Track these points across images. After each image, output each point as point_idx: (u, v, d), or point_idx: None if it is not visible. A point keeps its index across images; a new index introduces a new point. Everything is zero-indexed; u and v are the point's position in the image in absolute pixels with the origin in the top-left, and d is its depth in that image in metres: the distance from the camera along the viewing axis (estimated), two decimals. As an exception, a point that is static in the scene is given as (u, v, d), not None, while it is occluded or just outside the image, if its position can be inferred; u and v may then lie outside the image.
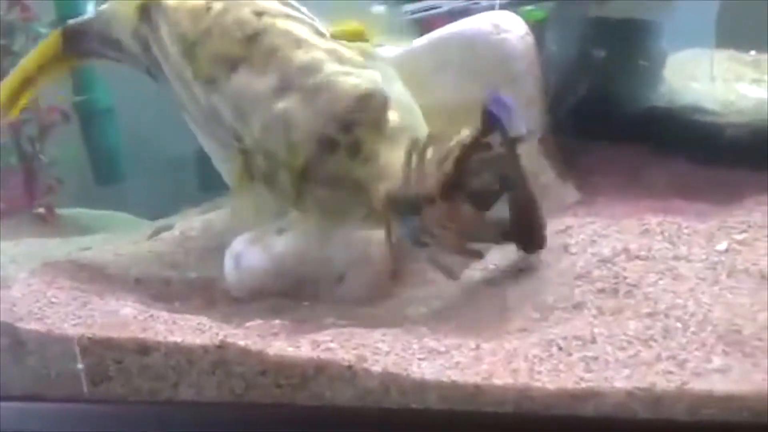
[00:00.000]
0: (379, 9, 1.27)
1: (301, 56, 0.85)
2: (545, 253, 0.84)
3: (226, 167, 1.12)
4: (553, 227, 0.88)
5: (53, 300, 0.90)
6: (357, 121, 0.83)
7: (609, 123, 1.11)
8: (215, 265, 1.03)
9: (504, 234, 0.82)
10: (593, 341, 0.69)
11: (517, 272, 0.84)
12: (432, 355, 0.72)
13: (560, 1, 1.21)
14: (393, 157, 0.82)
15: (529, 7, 1.28)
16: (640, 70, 1.28)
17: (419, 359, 0.71)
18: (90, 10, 1.64)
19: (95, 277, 1.02)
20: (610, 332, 0.69)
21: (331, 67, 0.84)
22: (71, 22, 1.15)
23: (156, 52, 0.97)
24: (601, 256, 0.80)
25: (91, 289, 0.95)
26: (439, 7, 1.11)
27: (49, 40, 1.15)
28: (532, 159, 0.99)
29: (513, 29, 0.98)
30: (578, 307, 0.74)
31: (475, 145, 0.79)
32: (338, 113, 0.83)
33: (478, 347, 0.72)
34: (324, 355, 0.72)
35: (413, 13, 1.14)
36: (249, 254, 0.98)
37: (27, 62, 1.16)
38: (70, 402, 0.76)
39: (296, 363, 0.72)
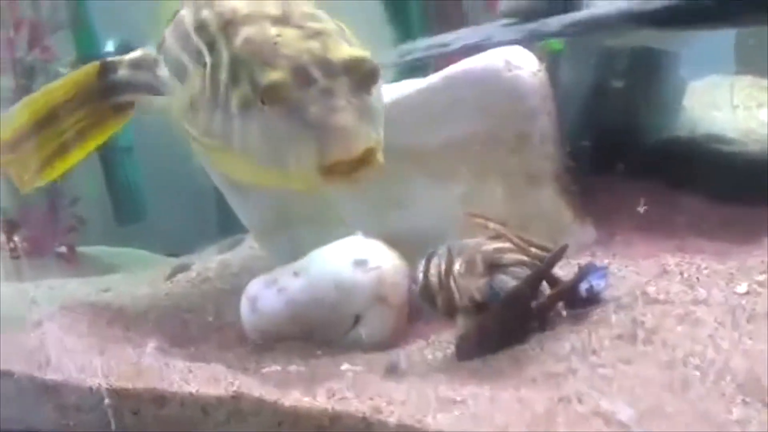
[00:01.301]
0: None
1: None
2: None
3: (237, 201, 1.11)
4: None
5: (70, 348, 0.90)
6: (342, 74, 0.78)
7: (627, 157, 1.10)
8: (231, 308, 1.04)
9: None
10: (610, 392, 0.68)
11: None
12: (448, 405, 0.71)
13: (576, 35, 1.21)
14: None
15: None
16: (659, 100, 1.27)
17: (435, 409, 0.70)
18: (110, 49, 1.68)
19: (113, 321, 1.02)
20: (628, 383, 0.68)
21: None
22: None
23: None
24: (618, 300, 0.79)
25: (109, 334, 0.96)
26: (450, 43, 1.11)
27: (86, 68, 1.06)
28: (548, 197, 0.99)
29: (525, 65, 0.97)
30: (596, 354, 0.73)
31: (543, 275, 0.80)
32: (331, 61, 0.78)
33: (493, 398, 0.71)
34: (339, 406, 0.72)
35: (426, 49, 1.14)
36: (265, 297, 0.98)
37: (55, 88, 1.06)
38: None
39: (311, 414, 0.72)
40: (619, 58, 1.25)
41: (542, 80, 0.98)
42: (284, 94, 0.77)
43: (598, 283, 0.81)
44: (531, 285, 0.80)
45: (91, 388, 0.80)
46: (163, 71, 0.95)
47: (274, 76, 0.77)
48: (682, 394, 0.65)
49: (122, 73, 1.03)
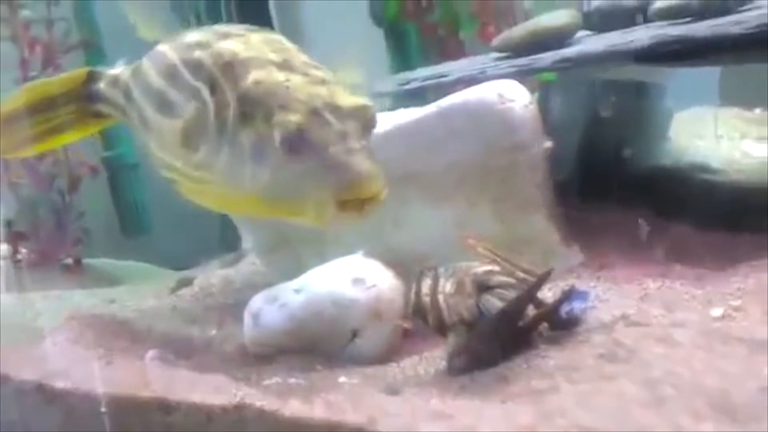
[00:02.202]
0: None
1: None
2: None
3: (240, 219, 1.14)
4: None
5: (78, 358, 0.94)
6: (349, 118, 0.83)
7: (615, 185, 1.15)
8: (234, 322, 1.08)
9: None
10: (591, 407, 0.72)
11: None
12: (439, 418, 0.75)
13: (565, 70, 1.26)
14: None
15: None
16: (645, 130, 1.32)
17: (427, 422, 0.75)
18: (121, 68, 1.73)
19: (119, 333, 1.06)
20: (608, 399, 0.73)
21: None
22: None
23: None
24: (601, 321, 0.83)
25: (116, 345, 1.00)
26: (447, 75, 1.16)
27: (77, 71, 1.12)
28: (538, 222, 1.04)
29: (517, 98, 1.02)
30: (578, 371, 0.78)
31: (528, 298, 0.85)
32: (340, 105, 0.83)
33: (480, 411, 0.75)
34: (336, 417, 0.76)
35: (424, 79, 1.19)
36: (267, 312, 1.02)
37: (52, 82, 1.13)
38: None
39: (310, 424, 0.76)
40: (607, 89, 1.30)
41: (533, 113, 1.03)
42: (305, 136, 0.81)
43: (579, 306, 0.86)
44: (517, 306, 0.85)
45: (98, 397, 0.84)
46: (138, 98, 0.98)
47: (295, 118, 0.81)
48: (657, 410, 0.70)
49: (102, 86, 1.08)
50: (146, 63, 0.98)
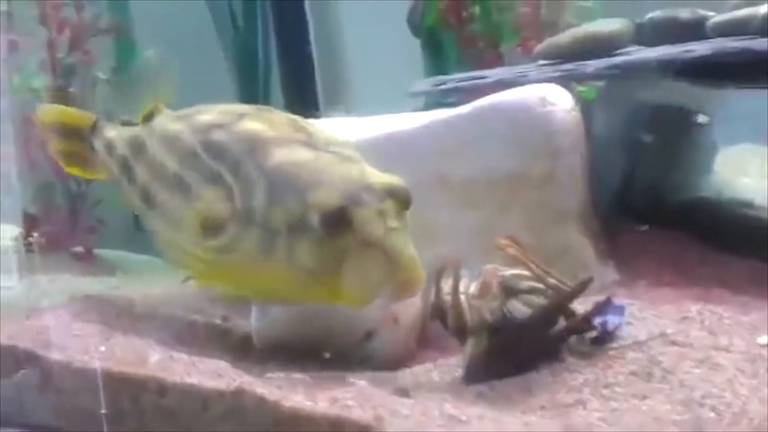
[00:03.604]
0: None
1: None
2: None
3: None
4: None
5: (77, 333, 0.90)
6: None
7: (654, 208, 1.09)
8: (241, 314, 1.03)
9: None
10: (620, 425, 0.66)
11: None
12: (451, 423, 0.69)
13: (610, 81, 1.21)
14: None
15: (581, 88, 1.28)
16: (688, 159, 1.26)
17: (438, 426, 0.69)
18: (149, 58, 1.71)
19: (122, 314, 1.01)
20: (640, 418, 0.66)
21: None
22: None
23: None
24: (636, 338, 0.77)
25: (116, 325, 0.95)
26: (486, 77, 1.11)
27: (87, 114, 1.11)
28: (572, 235, 0.98)
29: (559, 103, 0.97)
30: (609, 388, 0.72)
31: (560, 306, 0.79)
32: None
33: (498, 420, 0.69)
34: (340, 413, 0.70)
35: (460, 80, 1.15)
36: (276, 305, 0.97)
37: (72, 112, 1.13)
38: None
39: (311, 418, 0.70)
40: (650, 113, 1.25)
41: (576, 119, 0.98)
42: (345, 215, 0.78)
43: (613, 320, 0.79)
44: (547, 314, 0.79)
45: (92, 371, 0.79)
46: (142, 175, 0.95)
47: (333, 196, 0.78)
48: (695, 433, 0.63)
49: (99, 146, 1.05)
50: (151, 141, 0.94)
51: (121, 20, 1.63)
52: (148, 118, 0.97)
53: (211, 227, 0.84)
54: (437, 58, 1.50)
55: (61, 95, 1.52)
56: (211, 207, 0.84)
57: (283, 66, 1.79)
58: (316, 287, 0.81)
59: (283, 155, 0.82)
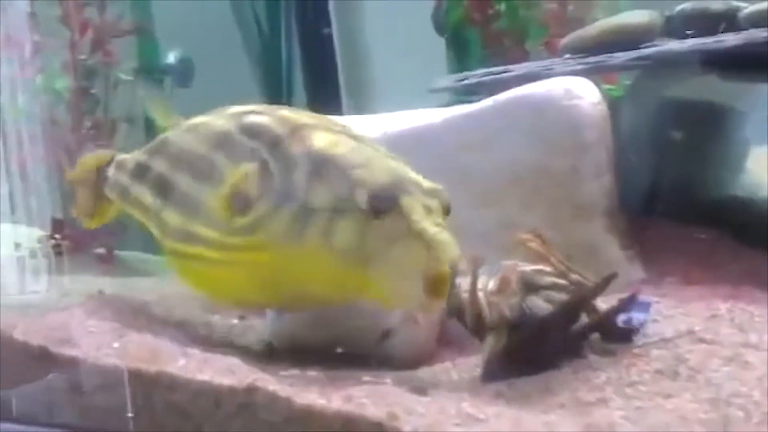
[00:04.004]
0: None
1: None
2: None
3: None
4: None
5: (91, 330, 0.89)
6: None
7: (683, 206, 1.05)
8: (258, 315, 1.02)
9: None
10: (644, 424, 0.63)
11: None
12: (468, 422, 0.67)
13: (638, 78, 1.18)
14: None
15: (609, 86, 1.25)
16: (719, 157, 1.23)
17: (454, 424, 0.66)
18: (171, 61, 1.71)
19: (138, 313, 1.01)
20: (665, 417, 0.63)
21: None
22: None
23: None
24: (662, 336, 0.74)
25: (132, 324, 0.94)
26: (510, 72, 1.08)
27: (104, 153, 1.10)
28: (597, 232, 0.95)
29: (586, 95, 0.94)
30: (633, 386, 0.69)
31: (583, 302, 0.77)
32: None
33: (518, 419, 0.67)
34: (353, 411, 0.68)
35: (482, 76, 1.12)
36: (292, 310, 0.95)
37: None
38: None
39: (324, 415, 0.68)
40: (680, 109, 1.21)
41: (602, 112, 0.95)
42: (392, 197, 0.75)
43: (638, 317, 0.76)
44: (569, 310, 0.76)
45: (103, 367, 0.78)
46: (162, 171, 0.92)
47: (382, 177, 0.75)
48: (723, 432, 0.60)
49: (109, 169, 1.04)
50: (176, 136, 0.92)
51: (144, 21, 1.63)
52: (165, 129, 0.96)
53: (241, 201, 0.80)
54: (462, 56, 1.48)
55: (83, 97, 1.53)
56: (241, 180, 0.80)
57: (306, 66, 1.78)
58: (350, 275, 0.76)
59: (325, 139, 0.80)
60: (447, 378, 0.81)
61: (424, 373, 0.84)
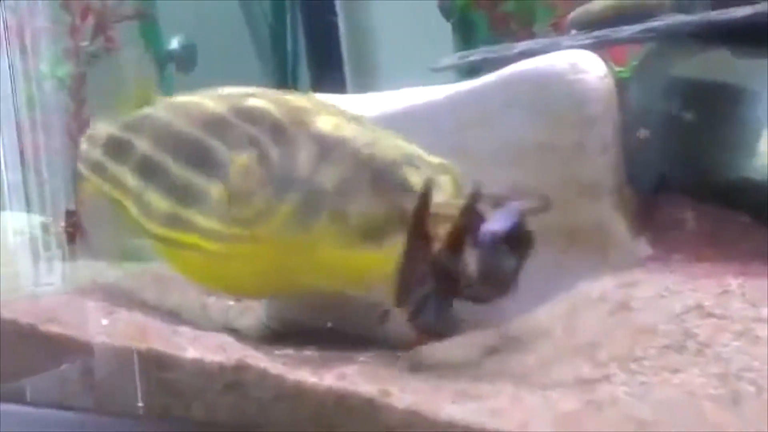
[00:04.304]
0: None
1: None
2: (602, 306, 0.76)
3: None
4: (618, 281, 0.80)
5: (79, 308, 0.87)
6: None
7: (692, 185, 1.02)
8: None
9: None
10: (649, 399, 0.60)
11: (569, 323, 0.76)
12: (465, 399, 0.64)
13: (646, 55, 1.15)
14: None
15: (620, 69, 1.22)
16: (730, 137, 1.19)
17: (450, 401, 0.64)
18: (174, 47, 1.69)
19: (133, 293, 0.99)
20: (671, 392, 0.61)
21: None
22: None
23: None
24: (669, 311, 0.71)
25: (124, 302, 0.92)
26: (515, 48, 1.05)
27: None
28: (603, 210, 0.92)
29: (591, 69, 0.91)
30: (638, 362, 0.66)
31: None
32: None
33: (516, 395, 0.64)
34: (345, 387, 0.65)
35: (486, 52, 1.09)
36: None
37: None
38: (66, 410, 0.72)
39: (315, 392, 0.65)
40: (688, 88, 1.17)
41: (609, 86, 0.92)
42: (400, 174, 0.74)
43: (501, 225, 0.71)
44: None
45: (90, 345, 0.76)
46: (147, 152, 0.88)
47: (388, 154, 0.74)
48: (732, 407, 0.57)
49: (84, 144, 0.98)
50: (161, 114, 0.88)
51: (146, 6, 1.61)
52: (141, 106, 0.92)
53: (243, 191, 0.77)
54: (469, 39, 1.45)
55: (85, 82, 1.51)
56: (243, 169, 0.78)
57: (310, 51, 1.75)
58: (365, 258, 0.73)
59: (329, 122, 0.78)
60: (446, 356, 0.79)
61: (422, 352, 0.81)
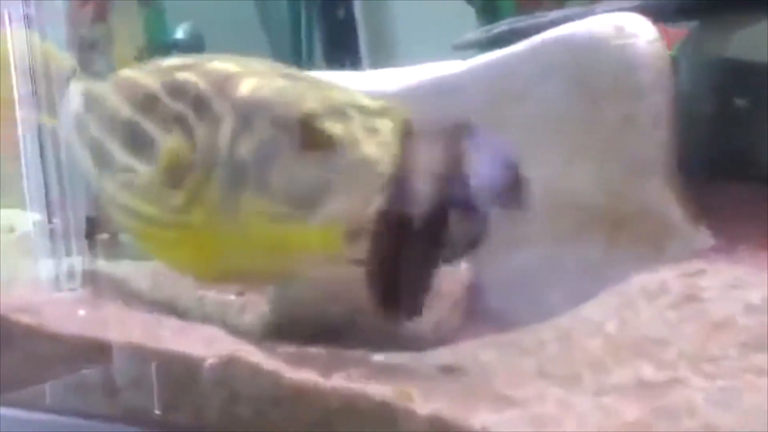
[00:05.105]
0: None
1: None
2: (662, 298, 0.65)
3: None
4: (679, 271, 0.68)
5: (58, 300, 0.77)
6: None
7: (753, 168, 0.91)
8: (260, 291, 0.89)
9: None
10: (733, 406, 0.48)
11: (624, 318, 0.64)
12: (502, 404, 0.53)
13: (695, 30, 1.04)
14: None
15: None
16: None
17: (485, 407, 0.52)
18: (180, 36, 1.60)
19: (124, 286, 0.88)
20: (759, 397, 0.49)
21: None
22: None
23: None
24: (747, 302, 0.59)
25: (113, 297, 0.82)
26: (547, 16, 0.94)
27: None
28: (654, 191, 0.80)
29: (640, 33, 0.80)
30: (712, 362, 0.54)
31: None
32: None
33: (565, 400, 0.52)
34: (356, 388, 0.54)
35: (515, 22, 0.98)
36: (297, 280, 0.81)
37: None
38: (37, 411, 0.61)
39: (320, 392, 0.54)
40: (742, 71, 1.06)
41: (659, 52, 0.80)
42: (319, 126, 0.64)
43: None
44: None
45: (66, 336, 0.65)
46: (96, 134, 0.80)
47: (307, 106, 0.65)
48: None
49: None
50: (103, 89, 0.80)
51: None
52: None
53: (171, 180, 0.70)
54: (494, 21, 1.34)
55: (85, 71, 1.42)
56: (171, 156, 0.70)
57: (326, 37, 1.66)
58: (291, 231, 0.64)
59: (250, 84, 0.69)
60: (474, 356, 0.67)
61: (446, 351, 0.70)
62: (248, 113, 0.67)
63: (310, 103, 0.65)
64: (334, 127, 0.63)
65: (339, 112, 0.64)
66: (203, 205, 0.68)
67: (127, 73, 0.80)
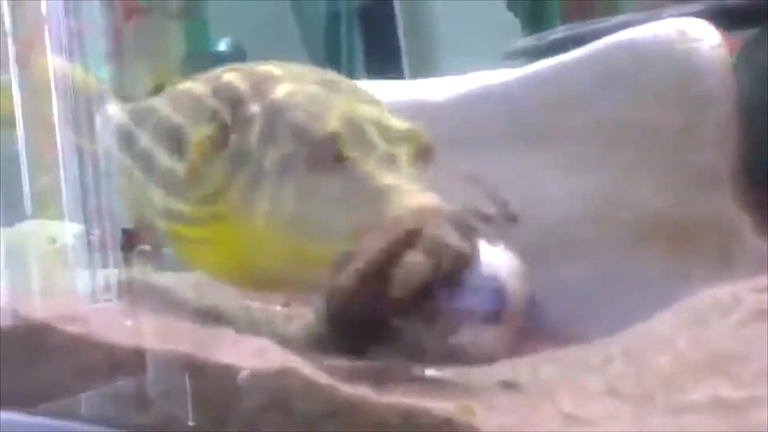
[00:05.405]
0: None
1: None
2: (735, 313, 0.61)
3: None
4: (751, 285, 0.65)
5: (100, 310, 0.75)
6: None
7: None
8: (306, 303, 0.86)
9: None
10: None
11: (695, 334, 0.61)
12: (570, 421, 0.50)
13: (753, 38, 1.00)
14: None
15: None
16: None
17: (554, 425, 0.49)
18: (222, 48, 1.60)
19: (165, 296, 0.87)
20: None
21: None
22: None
23: None
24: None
25: (154, 307, 0.80)
26: (607, 21, 0.92)
27: None
28: (720, 202, 0.77)
29: (704, 38, 0.77)
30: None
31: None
32: None
33: (639, 419, 0.49)
34: (416, 403, 0.52)
35: (571, 29, 0.96)
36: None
37: None
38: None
39: (376, 407, 0.52)
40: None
41: (724, 57, 0.78)
42: (336, 148, 0.64)
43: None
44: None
45: (111, 345, 0.63)
46: (147, 144, 0.83)
47: (325, 125, 0.64)
48: None
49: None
50: (157, 102, 0.83)
51: (194, 6, 1.51)
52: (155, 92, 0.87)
53: (196, 173, 0.71)
54: (540, 30, 1.31)
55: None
56: (200, 145, 0.71)
57: (367, 48, 1.65)
58: (295, 239, 0.65)
59: (284, 90, 0.69)
60: (535, 372, 0.64)
61: (504, 366, 0.67)
62: (275, 119, 0.68)
63: (334, 122, 0.64)
64: (353, 151, 0.62)
65: (361, 133, 0.63)
66: (227, 202, 0.69)
67: (181, 85, 0.82)
